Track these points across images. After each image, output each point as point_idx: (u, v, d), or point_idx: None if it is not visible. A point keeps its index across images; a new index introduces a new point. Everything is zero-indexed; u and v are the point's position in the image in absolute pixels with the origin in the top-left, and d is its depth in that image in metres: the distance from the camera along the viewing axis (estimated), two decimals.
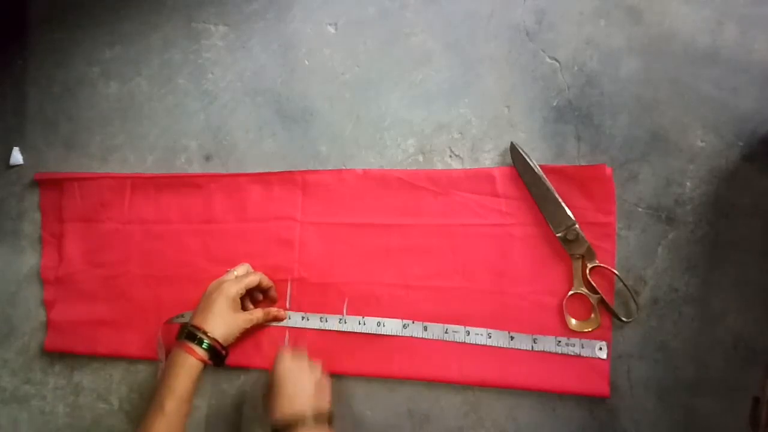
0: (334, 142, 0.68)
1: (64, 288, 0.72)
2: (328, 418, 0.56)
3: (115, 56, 0.75)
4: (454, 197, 0.64)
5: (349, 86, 0.69)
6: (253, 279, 0.63)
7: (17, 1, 0.77)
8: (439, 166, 0.65)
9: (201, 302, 0.62)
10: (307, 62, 0.70)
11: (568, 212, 0.60)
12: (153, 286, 0.70)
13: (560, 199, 0.60)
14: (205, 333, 0.58)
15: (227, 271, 0.64)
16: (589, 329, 0.59)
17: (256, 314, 0.64)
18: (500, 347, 0.61)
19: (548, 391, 0.60)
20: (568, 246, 0.60)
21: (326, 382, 0.60)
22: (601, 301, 0.59)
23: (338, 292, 0.65)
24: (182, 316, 0.68)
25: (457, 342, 0.62)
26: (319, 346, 0.64)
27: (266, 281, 0.65)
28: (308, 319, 0.65)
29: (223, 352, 0.60)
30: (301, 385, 0.57)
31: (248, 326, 0.63)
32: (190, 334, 0.58)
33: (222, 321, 0.60)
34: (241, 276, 0.63)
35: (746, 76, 0.60)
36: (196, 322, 0.59)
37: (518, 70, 0.65)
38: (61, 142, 0.75)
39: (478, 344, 0.61)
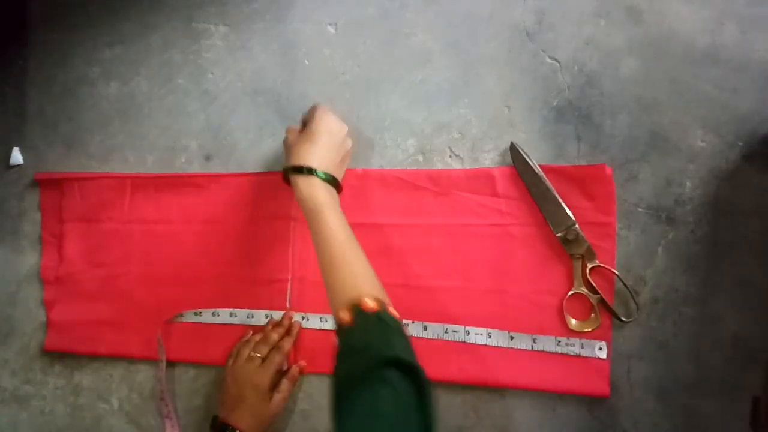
0: None
1: (64, 288, 0.72)
2: (338, 186, 0.58)
3: (115, 56, 0.75)
4: (454, 197, 0.64)
5: (349, 86, 0.69)
6: (280, 359, 0.62)
7: (17, 1, 0.77)
8: (439, 166, 0.65)
9: (228, 388, 0.60)
10: (307, 62, 0.70)
11: (568, 212, 0.60)
12: (153, 286, 0.69)
13: (560, 199, 0.60)
14: (234, 430, 0.57)
15: (245, 340, 0.63)
16: (589, 329, 0.59)
17: (285, 389, 0.62)
18: (500, 347, 0.61)
19: (548, 391, 0.60)
20: (568, 246, 0.60)
21: (350, 154, 0.62)
22: (601, 301, 0.59)
23: None
24: (182, 315, 0.68)
25: (457, 342, 0.62)
26: (320, 345, 0.64)
27: (287, 344, 0.63)
28: (308, 319, 0.65)
29: None
30: (331, 149, 0.58)
31: (281, 410, 0.61)
32: (220, 429, 0.58)
33: (256, 415, 0.58)
34: (270, 361, 0.61)
35: (746, 76, 0.60)
36: (230, 419, 0.58)
37: (518, 70, 0.65)
38: (61, 142, 0.75)
39: (478, 344, 0.61)
